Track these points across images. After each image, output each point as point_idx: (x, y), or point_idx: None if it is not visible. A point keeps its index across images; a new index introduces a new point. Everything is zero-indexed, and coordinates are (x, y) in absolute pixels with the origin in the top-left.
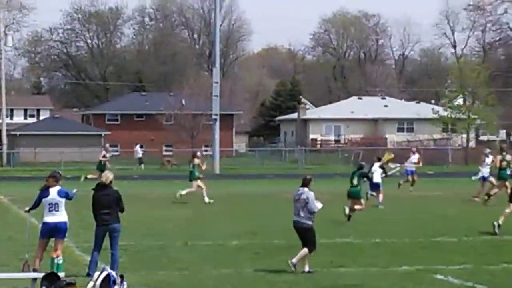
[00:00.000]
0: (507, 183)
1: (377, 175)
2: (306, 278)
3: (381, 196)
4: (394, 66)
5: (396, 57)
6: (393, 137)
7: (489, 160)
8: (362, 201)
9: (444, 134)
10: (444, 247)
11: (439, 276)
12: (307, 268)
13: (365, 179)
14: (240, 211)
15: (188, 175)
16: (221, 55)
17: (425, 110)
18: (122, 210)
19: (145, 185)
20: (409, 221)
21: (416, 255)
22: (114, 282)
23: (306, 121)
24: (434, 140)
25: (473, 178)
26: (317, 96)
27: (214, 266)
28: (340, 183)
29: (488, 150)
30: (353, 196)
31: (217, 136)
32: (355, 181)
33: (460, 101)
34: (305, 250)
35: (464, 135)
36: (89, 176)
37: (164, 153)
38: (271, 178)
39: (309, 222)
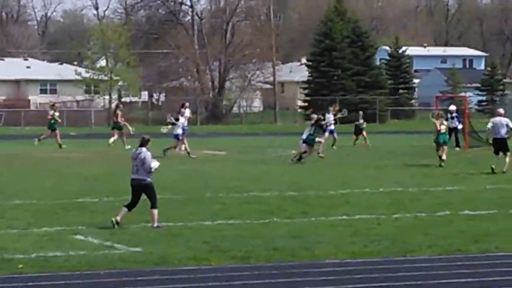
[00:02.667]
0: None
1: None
2: None
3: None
4: (36, 27)
5: (39, 18)
6: (36, 99)
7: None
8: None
9: (87, 95)
10: (86, 207)
11: (79, 237)
12: (156, 224)
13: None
14: None
15: None
16: None
17: (68, 71)
18: None
19: None
20: (56, 182)
21: (57, 216)
22: None
23: None
24: (77, 101)
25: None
26: None
27: None
28: None
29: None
30: (310, 142)
31: None
32: (312, 131)
33: (102, 62)
34: (126, 209)
35: (107, 97)
36: (42, 136)
37: None
38: None
39: (148, 179)
